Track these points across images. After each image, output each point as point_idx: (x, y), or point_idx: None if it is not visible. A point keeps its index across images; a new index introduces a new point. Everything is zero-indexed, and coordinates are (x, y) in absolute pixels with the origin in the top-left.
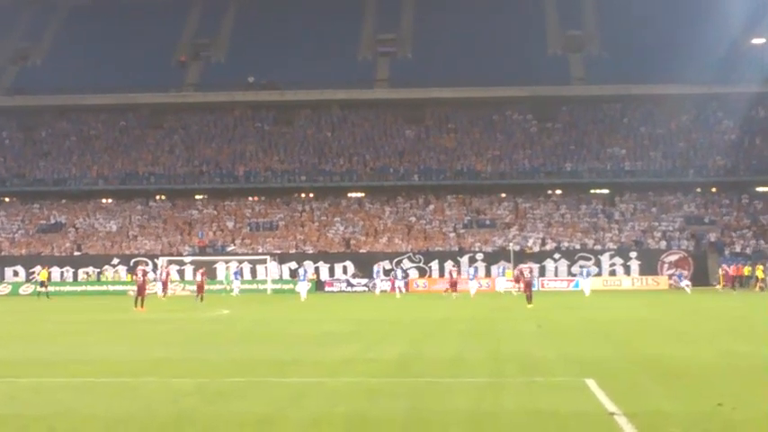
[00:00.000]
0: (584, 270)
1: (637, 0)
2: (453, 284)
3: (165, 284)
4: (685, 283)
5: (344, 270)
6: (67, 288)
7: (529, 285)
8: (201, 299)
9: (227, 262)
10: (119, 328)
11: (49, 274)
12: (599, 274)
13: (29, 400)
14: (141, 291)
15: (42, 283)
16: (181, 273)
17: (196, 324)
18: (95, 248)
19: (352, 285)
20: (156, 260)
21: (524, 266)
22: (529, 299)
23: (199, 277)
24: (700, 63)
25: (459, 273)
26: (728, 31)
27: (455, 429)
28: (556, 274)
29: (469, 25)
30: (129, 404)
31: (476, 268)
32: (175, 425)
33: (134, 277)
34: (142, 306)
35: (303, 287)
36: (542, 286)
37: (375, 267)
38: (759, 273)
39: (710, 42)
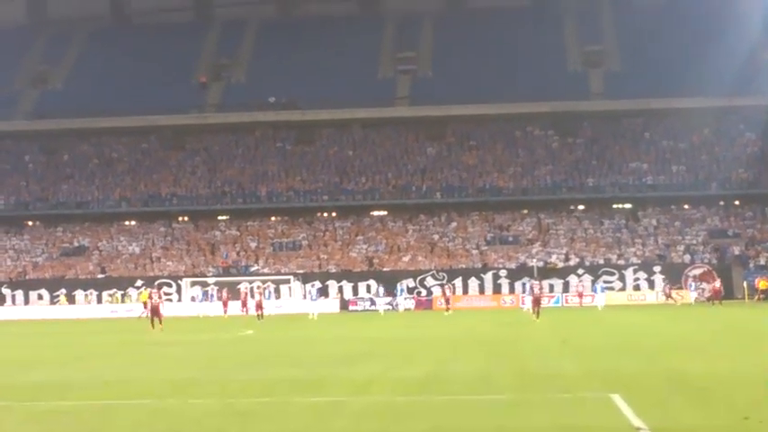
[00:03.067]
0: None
1: (655, 14)
2: (447, 301)
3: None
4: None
5: (368, 288)
6: (92, 310)
7: (538, 301)
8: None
9: (250, 282)
10: (142, 349)
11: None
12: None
13: (50, 425)
14: (157, 312)
15: (144, 305)
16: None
17: (220, 345)
18: (119, 271)
19: (375, 304)
20: (179, 282)
21: (534, 282)
22: (537, 314)
23: (257, 296)
24: (719, 76)
25: (453, 291)
26: (747, 42)
27: None
28: (581, 289)
29: (489, 42)
30: (153, 426)
31: (530, 285)
32: None
33: (149, 300)
34: (161, 324)
35: (314, 306)
36: (566, 302)
37: (398, 286)
38: None
39: (729, 55)
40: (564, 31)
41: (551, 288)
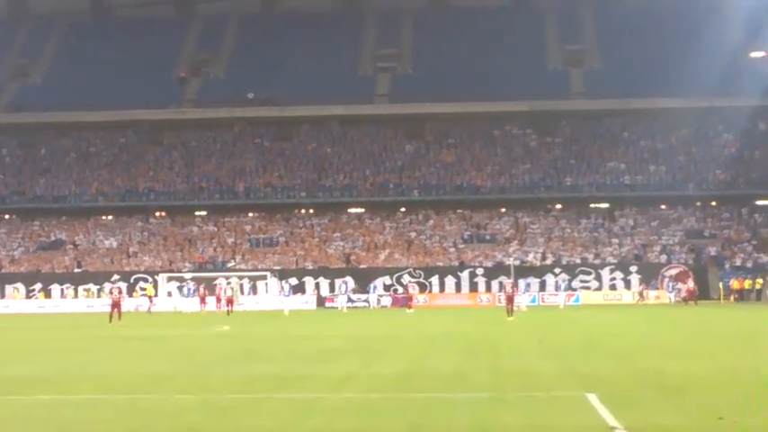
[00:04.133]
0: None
1: (636, 14)
2: (410, 299)
3: (230, 300)
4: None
5: (345, 286)
6: (68, 305)
7: (510, 299)
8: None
9: (227, 278)
10: (120, 344)
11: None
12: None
13: (29, 419)
14: (117, 306)
15: (150, 299)
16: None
17: (197, 340)
18: (95, 266)
19: (352, 301)
20: (156, 277)
21: (507, 281)
22: (509, 312)
23: (228, 292)
24: (699, 77)
25: (415, 288)
26: (727, 44)
27: None
28: (556, 289)
29: (469, 40)
30: (130, 421)
31: (528, 284)
32: None
33: (110, 294)
34: (119, 320)
35: (288, 303)
36: (542, 301)
37: (372, 284)
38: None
39: (710, 56)
40: (545, 30)
41: (527, 287)
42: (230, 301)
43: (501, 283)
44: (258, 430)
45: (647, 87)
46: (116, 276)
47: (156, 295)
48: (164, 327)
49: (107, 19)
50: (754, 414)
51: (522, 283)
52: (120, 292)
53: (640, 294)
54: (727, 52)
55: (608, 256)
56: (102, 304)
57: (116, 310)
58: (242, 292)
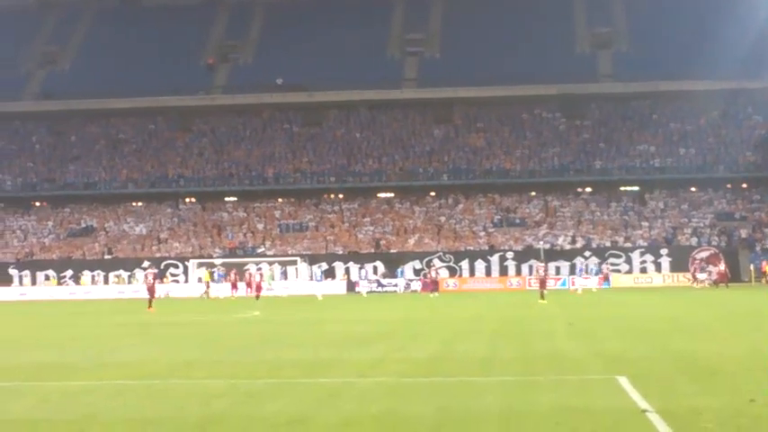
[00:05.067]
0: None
1: None
2: (435, 283)
3: (258, 286)
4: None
5: (375, 270)
6: (99, 291)
7: (543, 282)
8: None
9: (257, 264)
10: (150, 330)
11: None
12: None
13: (59, 404)
14: (151, 293)
15: (207, 285)
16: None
17: (227, 326)
18: (125, 252)
19: (382, 285)
20: (186, 263)
21: (539, 264)
22: (542, 295)
23: (257, 278)
24: (728, 59)
25: (438, 273)
26: (756, 26)
27: (486, 428)
28: (587, 272)
29: (497, 24)
30: (160, 406)
31: (586, 265)
32: (206, 427)
33: (145, 280)
34: (149, 306)
35: (320, 288)
36: (572, 284)
37: (400, 268)
38: None
39: (738, 38)
40: (573, 12)
41: (557, 270)
42: (258, 287)
43: (531, 267)
44: (286, 415)
45: (675, 70)
46: (147, 263)
47: (211, 281)
48: (194, 312)
49: (135, 6)
50: None
51: (578, 265)
52: (156, 278)
53: (694, 276)
54: (755, 34)
55: (638, 239)
56: (133, 290)
57: (152, 295)
58: (273, 278)
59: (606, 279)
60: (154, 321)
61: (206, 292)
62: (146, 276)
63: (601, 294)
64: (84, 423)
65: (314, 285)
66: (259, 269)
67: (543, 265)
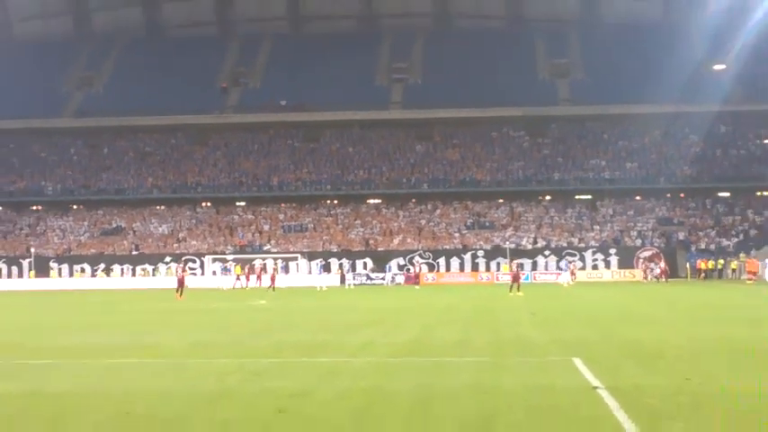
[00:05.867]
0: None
1: (614, 32)
2: (416, 277)
3: (273, 278)
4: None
5: (364, 266)
6: (126, 283)
7: (516, 277)
8: (274, 289)
9: (263, 259)
10: (171, 316)
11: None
12: (582, 267)
13: (96, 379)
14: (181, 283)
15: (237, 277)
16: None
17: (237, 313)
18: (150, 248)
19: (371, 279)
20: (202, 258)
21: (516, 262)
22: (518, 288)
23: (272, 271)
24: (669, 86)
25: (420, 269)
26: (693, 58)
27: (461, 402)
28: (546, 268)
29: (470, 55)
30: (180, 381)
31: (567, 261)
32: (220, 399)
33: (176, 273)
34: (180, 296)
35: (321, 280)
36: (534, 279)
37: (388, 264)
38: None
39: (678, 68)
40: (535, 46)
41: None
42: (273, 279)
43: (499, 264)
44: (289, 390)
45: (623, 95)
46: (168, 258)
47: (242, 274)
48: (209, 301)
49: (159, 37)
50: (715, 376)
51: (564, 261)
52: (185, 270)
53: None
54: (693, 65)
55: (590, 240)
56: (157, 282)
57: (180, 286)
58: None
59: (573, 274)
60: (176, 308)
61: (240, 284)
62: (176, 270)
63: (567, 288)
64: (118, 394)
65: (316, 278)
66: (274, 264)
67: (518, 262)
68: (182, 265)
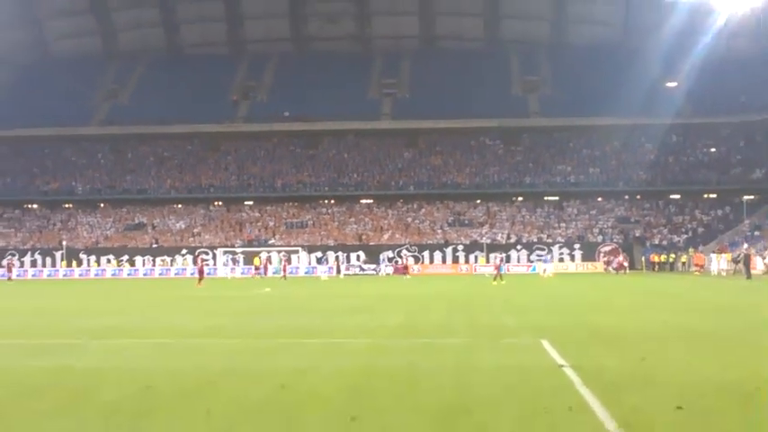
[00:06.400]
0: (544, 258)
1: (580, 53)
2: (405, 268)
3: (284, 269)
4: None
5: (358, 258)
6: (148, 272)
7: (497, 268)
8: (285, 278)
9: (268, 252)
10: (185, 302)
11: (270, 259)
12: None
13: (119, 356)
14: (201, 273)
15: (257, 268)
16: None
17: (244, 300)
18: (168, 242)
19: (363, 269)
20: (214, 251)
21: (497, 254)
22: (500, 277)
23: (283, 263)
24: (628, 101)
25: (408, 260)
26: (649, 76)
27: (443, 378)
28: (518, 261)
29: (452, 73)
30: (194, 359)
31: (549, 254)
32: (229, 375)
33: (197, 263)
34: (200, 284)
35: (323, 271)
36: (507, 270)
37: (381, 256)
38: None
39: (636, 85)
40: (509, 64)
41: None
42: (284, 269)
43: (476, 257)
44: (292, 367)
45: (587, 109)
46: (184, 250)
47: (262, 265)
48: (219, 289)
49: (178, 55)
50: (667, 356)
51: (546, 254)
52: (204, 261)
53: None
54: (649, 82)
55: (557, 236)
56: (175, 272)
57: (201, 275)
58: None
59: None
60: (190, 295)
61: (258, 273)
62: (196, 261)
63: (527, 279)
64: (139, 371)
65: (316, 268)
66: (287, 255)
67: (501, 256)
68: (202, 257)
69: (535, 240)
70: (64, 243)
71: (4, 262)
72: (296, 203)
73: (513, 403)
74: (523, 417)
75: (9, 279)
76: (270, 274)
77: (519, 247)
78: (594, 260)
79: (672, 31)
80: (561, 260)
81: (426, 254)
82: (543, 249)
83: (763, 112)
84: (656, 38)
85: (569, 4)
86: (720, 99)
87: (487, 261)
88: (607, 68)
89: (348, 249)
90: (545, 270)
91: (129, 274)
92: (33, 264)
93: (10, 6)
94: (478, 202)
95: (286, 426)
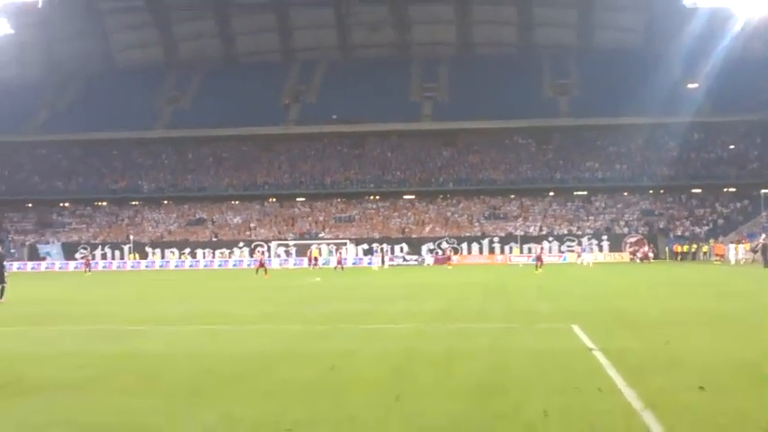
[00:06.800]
0: (583, 248)
1: (606, 57)
2: (448, 258)
3: (339, 261)
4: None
5: (401, 250)
6: (208, 264)
7: (539, 258)
8: (342, 269)
9: (318, 244)
10: (242, 292)
11: (320, 251)
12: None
13: (180, 342)
14: (262, 264)
15: (314, 260)
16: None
17: (297, 289)
18: (227, 236)
19: (406, 260)
20: (269, 244)
21: (537, 246)
22: (539, 267)
23: (337, 255)
24: (651, 101)
25: (451, 250)
26: (671, 77)
27: (480, 360)
28: (549, 252)
29: (488, 77)
30: (251, 344)
31: (589, 245)
32: (283, 358)
33: (257, 255)
34: (266, 274)
35: (375, 261)
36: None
37: (422, 248)
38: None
39: (658, 86)
40: (541, 69)
41: (529, 250)
42: (339, 261)
43: (511, 247)
44: (340, 350)
45: (613, 109)
46: (241, 243)
47: (317, 257)
48: (274, 279)
49: (234, 63)
50: (690, 339)
51: (587, 244)
52: (263, 254)
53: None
54: (670, 83)
55: (586, 228)
56: (233, 264)
57: (261, 267)
58: (331, 254)
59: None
60: (247, 285)
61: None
62: (255, 253)
63: (558, 268)
64: (201, 355)
65: (369, 259)
66: (343, 247)
67: (540, 247)
68: (262, 250)
69: (565, 232)
70: (131, 237)
71: (80, 256)
72: (343, 199)
73: (546, 384)
74: (555, 396)
75: (86, 271)
76: (320, 265)
77: (550, 238)
78: (621, 250)
79: (692, 35)
80: (591, 251)
81: (465, 245)
82: (573, 241)
83: None
84: (677, 42)
85: (596, 13)
86: (738, 98)
87: (521, 252)
88: (631, 71)
89: (392, 242)
90: (583, 260)
91: (190, 266)
92: (104, 257)
93: (80, 22)
94: (512, 197)
95: (335, 405)
